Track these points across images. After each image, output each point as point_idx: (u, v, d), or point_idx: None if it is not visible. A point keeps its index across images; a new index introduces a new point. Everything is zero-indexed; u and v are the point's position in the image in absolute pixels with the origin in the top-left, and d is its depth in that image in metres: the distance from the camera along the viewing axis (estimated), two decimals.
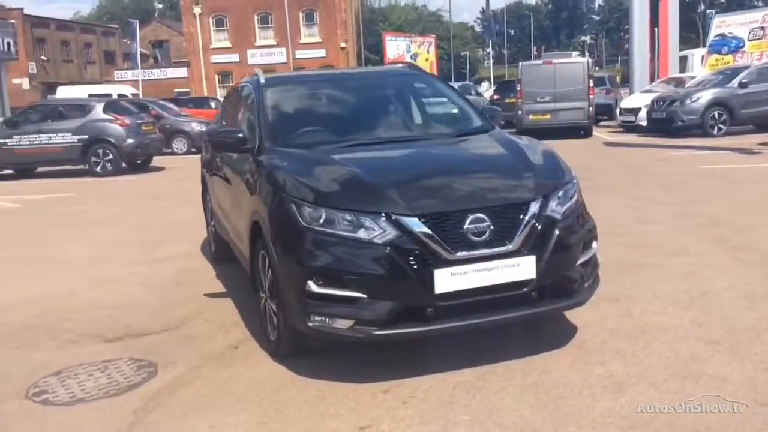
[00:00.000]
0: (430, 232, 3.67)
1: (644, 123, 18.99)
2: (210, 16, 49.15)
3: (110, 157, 15.67)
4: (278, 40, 48.57)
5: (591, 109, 19.57)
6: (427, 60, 49.68)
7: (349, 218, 3.73)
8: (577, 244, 4.09)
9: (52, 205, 11.78)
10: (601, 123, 23.34)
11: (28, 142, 15.74)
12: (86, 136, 15.58)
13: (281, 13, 47.69)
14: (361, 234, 3.69)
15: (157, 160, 17.72)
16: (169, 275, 6.49)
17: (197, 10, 48.63)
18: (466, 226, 3.72)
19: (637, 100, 20.53)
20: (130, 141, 15.62)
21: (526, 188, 4.00)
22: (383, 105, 5.33)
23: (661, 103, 17.83)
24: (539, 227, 3.87)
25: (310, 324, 3.78)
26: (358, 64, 51.24)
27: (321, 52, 48.26)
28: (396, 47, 47.12)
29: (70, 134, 15.62)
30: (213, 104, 27.82)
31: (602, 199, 9.19)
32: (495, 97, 26.54)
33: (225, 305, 5.41)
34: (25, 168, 16.52)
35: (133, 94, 35.29)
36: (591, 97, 19.55)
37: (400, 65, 6.16)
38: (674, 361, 3.96)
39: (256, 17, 48.75)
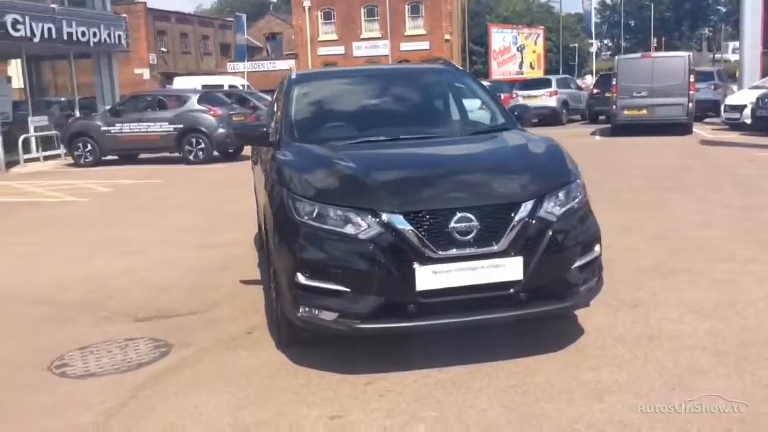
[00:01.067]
0: (414, 230, 3.72)
1: (749, 121, 17.95)
2: (319, 9, 50.26)
3: (202, 145, 16.39)
4: (383, 32, 49.00)
5: (691, 105, 18.68)
6: (534, 52, 48.84)
7: (338, 214, 3.83)
8: (574, 247, 4.02)
9: (138, 190, 12.49)
10: (706, 120, 22.23)
11: (129, 130, 16.69)
12: (181, 126, 16.37)
13: (388, 5, 48.05)
14: (349, 229, 3.78)
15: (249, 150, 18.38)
16: (216, 260, 6.80)
17: (307, 3, 49.86)
18: (451, 225, 3.74)
19: (744, 96, 19.37)
20: (221, 131, 16.27)
21: (519, 189, 3.96)
22: (406, 102, 5.38)
23: (767, 100, 16.80)
24: (530, 229, 3.84)
25: (299, 314, 3.92)
26: (462, 57, 50.93)
27: (425, 44, 48.33)
28: (502, 39, 46.57)
29: (167, 123, 16.46)
30: None
31: (675, 201, 8.88)
32: (595, 91, 25.74)
33: (255, 292, 5.62)
34: (127, 154, 17.50)
35: (242, 86, 36.66)
36: (691, 93, 18.66)
37: (440, 62, 6.15)
38: (669, 371, 3.84)
39: (362, 10, 49.42)
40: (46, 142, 18.81)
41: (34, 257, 7.49)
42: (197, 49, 60.34)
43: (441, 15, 48.74)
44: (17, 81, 22.90)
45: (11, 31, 17.11)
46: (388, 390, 3.75)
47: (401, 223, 3.72)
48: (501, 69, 45.77)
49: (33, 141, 18.35)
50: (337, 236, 3.80)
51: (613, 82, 19.57)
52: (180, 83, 37.11)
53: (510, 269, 3.78)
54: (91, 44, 20.03)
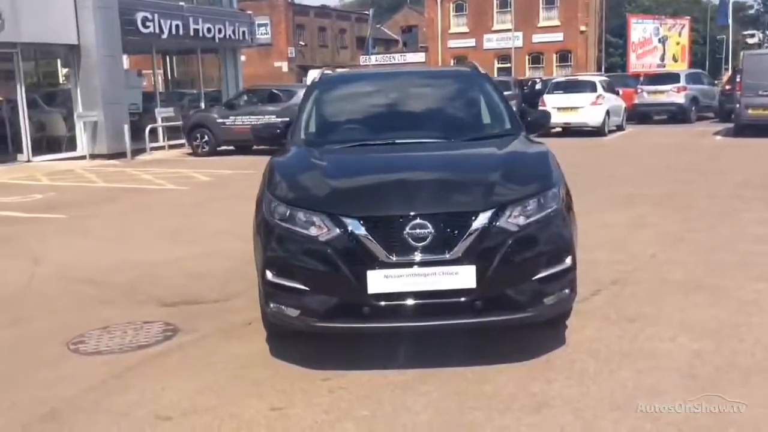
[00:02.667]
0: (367, 234, 3.85)
1: None
2: (451, 0, 50.19)
3: None
4: (515, 24, 48.16)
5: None
6: (678, 44, 46.38)
7: (305, 217, 4.02)
8: (536, 258, 4.00)
9: (234, 181, 13.21)
10: None
11: (241, 122, 17.60)
12: (287, 119, 17.02)
13: None
14: (312, 232, 3.97)
15: None
16: None
17: None
18: (406, 231, 3.84)
19: None
20: None
21: (479, 198, 4.00)
22: (415, 107, 5.48)
23: None
24: (486, 238, 3.87)
25: (269, 309, 4.17)
26: (598, 49, 49.23)
27: (558, 36, 47.11)
28: (642, 30, 44.63)
29: (274, 116, 17.20)
30: None
31: (752, 212, 8.35)
32: (727, 87, 24.23)
33: None
34: (240, 145, 18.47)
35: None
36: None
37: (467, 66, 6.16)
38: (624, 390, 3.75)
39: (495, 1, 48.82)
40: (172, 132, 20.17)
41: (110, 240, 8.21)
42: (334, 43, 62.09)
43: (577, 5, 47.24)
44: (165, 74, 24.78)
45: (141, 28, 18.52)
46: (340, 387, 3.92)
47: (357, 227, 3.87)
48: (640, 61, 43.88)
49: (160, 131, 19.73)
50: (301, 238, 4.00)
51: (737, 79, 18.40)
52: (312, 75, 38.44)
53: (462, 277, 3.84)
54: (217, 40, 21.26)
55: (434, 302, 3.90)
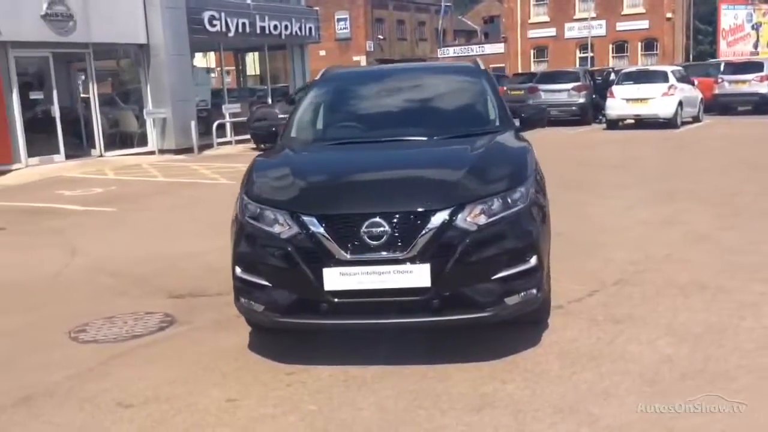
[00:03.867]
0: (324, 232, 3.92)
1: None
2: None
3: None
4: (598, 12, 46.87)
5: None
6: None
7: (270, 214, 4.14)
8: (496, 257, 3.97)
9: None
10: None
11: None
12: None
13: None
14: (275, 229, 4.08)
15: None
16: None
17: None
18: (363, 229, 3.89)
19: None
20: None
21: (437, 197, 4.00)
22: (404, 105, 5.48)
23: None
24: (442, 237, 3.87)
25: (238, 304, 4.31)
26: (686, 36, 47.31)
27: (644, 24, 45.52)
28: (733, 17, 42.79)
29: None
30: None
31: None
32: None
33: None
34: None
35: None
36: None
37: (472, 62, 6.11)
38: (577, 394, 3.70)
39: None
40: (240, 128, 20.72)
41: (148, 234, 8.59)
42: (413, 35, 62.05)
43: None
44: (253, 69, 25.44)
45: (208, 27, 19.11)
46: (299, 381, 4.02)
47: (315, 225, 3.95)
48: (731, 49, 42.10)
49: (227, 126, 20.30)
50: (266, 235, 4.12)
51: None
52: None
53: (417, 276, 3.86)
54: (283, 36, 21.69)
55: (390, 300, 3.94)
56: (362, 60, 55.28)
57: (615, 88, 20.02)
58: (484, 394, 3.75)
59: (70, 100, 17.33)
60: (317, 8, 25.30)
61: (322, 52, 55.81)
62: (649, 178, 10.76)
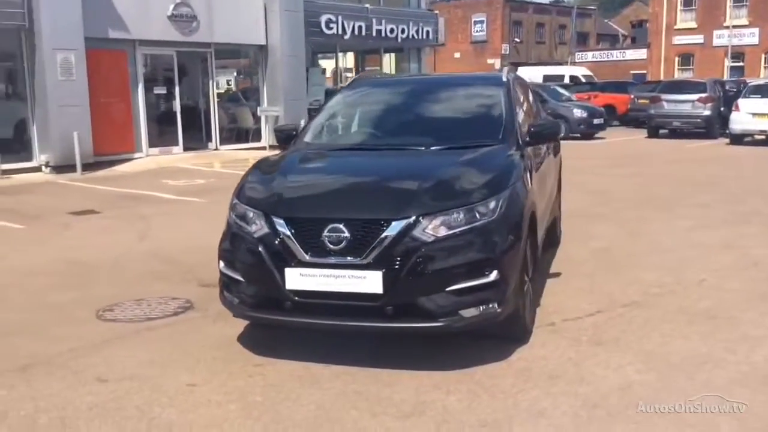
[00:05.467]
0: (289, 234, 4.14)
1: None
2: None
3: None
4: (751, 19, 43.93)
5: None
6: None
7: (250, 215, 4.41)
8: (452, 269, 4.03)
9: None
10: None
11: None
12: None
13: None
14: (251, 228, 4.35)
15: None
16: None
17: None
18: (324, 233, 4.08)
19: None
20: None
21: (397, 206, 4.10)
22: (413, 114, 5.55)
23: None
24: (397, 246, 3.98)
25: (221, 298, 4.61)
26: None
27: None
28: None
29: None
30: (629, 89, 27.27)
31: None
32: None
33: None
34: None
35: (585, 76, 36.36)
36: None
37: (503, 72, 6.08)
38: (512, 411, 3.71)
39: None
40: None
41: (216, 224, 9.09)
42: (552, 39, 60.80)
43: None
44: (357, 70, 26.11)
45: (325, 30, 19.82)
46: (261, 373, 4.26)
47: (282, 227, 4.18)
48: None
49: None
50: (244, 234, 4.39)
51: None
52: (524, 74, 38.19)
53: (370, 282, 3.99)
54: (399, 40, 22.08)
55: (345, 304, 4.10)
56: (496, 63, 54.83)
57: (741, 102, 18.82)
58: (422, 402, 3.82)
59: (192, 95, 18.49)
60: (437, 11, 25.48)
61: (457, 54, 56.08)
62: (735, 199, 10.12)
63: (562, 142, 21.51)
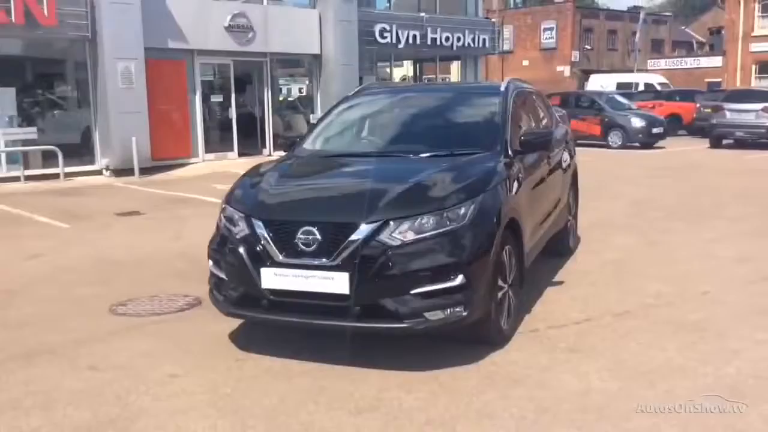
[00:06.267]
0: (266, 235, 4.37)
1: None
2: (757, 1, 45.32)
3: None
4: None
5: None
6: None
7: (234, 217, 4.67)
8: (417, 273, 4.17)
9: None
10: None
11: None
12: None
13: None
14: (235, 230, 4.60)
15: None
16: None
17: None
18: (298, 236, 4.29)
19: None
20: None
21: (366, 211, 4.26)
22: (407, 123, 5.71)
23: None
24: (364, 249, 4.16)
25: (210, 295, 4.87)
26: None
27: None
28: None
29: None
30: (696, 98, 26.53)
31: None
32: None
33: None
34: None
35: (660, 84, 35.56)
36: None
37: (502, 82, 6.17)
38: (462, 412, 3.82)
39: None
40: None
41: None
42: (625, 46, 59.52)
43: None
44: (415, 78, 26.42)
45: (379, 39, 20.15)
46: (239, 367, 4.50)
47: (260, 228, 4.41)
48: None
49: None
50: (229, 234, 4.65)
51: None
52: (595, 81, 37.70)
53: (337, 283, 4.18)
54: (455, 48, 22.20)
55: (316, 303, 4.29)
56: (566, 70, 54.25)
57: None
58: (380, 399, 3.98)
59: (248, 103, 19.06)
60: (494, 20, 25.45)
61: (526, 62, 55.63)
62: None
63: (618, 151, 21.32)
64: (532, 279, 6.20)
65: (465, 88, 7.24)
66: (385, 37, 20.26)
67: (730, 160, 17.83)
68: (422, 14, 21.31)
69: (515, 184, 5.07)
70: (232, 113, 17.83)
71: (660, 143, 21.49)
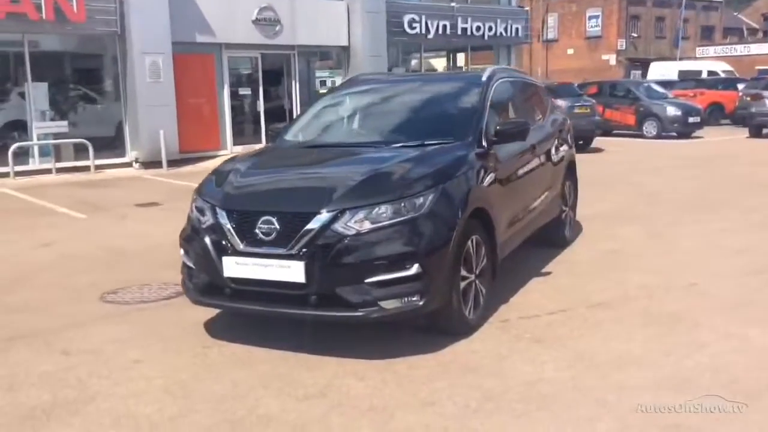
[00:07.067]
0: (229, 225, 4.46)
1: None
2: None
3: None
4: None
5: None
6: None
7: (204, 206, 4.76)
8: (371, 262, 4.19)
9: None
10: None
11: None
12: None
13: None
14: (203, 219, 4.70)
15: (607, 143, 18.52)
16: None
17: None
18: (258, 225, 4.37)
19: None
20: None
21: (322, 200, 4.31)
22: (383, 113, 5.75)
23: None
24: (319, 238, 4.21)
25: (184, 285, 4.99)
26: None
27: None
28: None
29: None
30: (740, 86, 25.78)
31: None
32: None
33: None
34: None
35: (725, 71, 34.58)
36: None
37: (495, 68, 6.15)
38: (408, 398, 3.85)
39: None
40: None
41: None
42: (672, 33, 58.08)
43: None
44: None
45: (407, 29, 20.12)
46: (204, 354, 4.60)
47: (223, 218, 4.50)
48: None
49: None
50: (198, 224, 4.75)
51: None
52: (656, 69, 36.92)
53: (294, 271, 4.24)
54: (486, 38, 22.01)
55: (274, 291, 4.36)
56: (611, 59, 53.29)
57: None
58: (330, 386, 4.03)
59: (275, 95, 19.24)
60: (527, 8, 25.12)
61: (570, 51, 54.85)
62: None
63: (653, 141, 20.90)
64: (518, 269, 6.21)
65: (448, 77, 7.23)
66: (414, 28, 20.21)
67: (765, 149, 17.33)
68: (453, 4, 21.18)
69: (488, 174, 5.05)
70: (260, 105, 18.04)
71: (698, 133, 20.99)
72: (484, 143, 5.19)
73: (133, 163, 16.05)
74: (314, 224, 4.23)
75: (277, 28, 17.76)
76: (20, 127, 15.27)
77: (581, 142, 17.72)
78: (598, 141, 18.60)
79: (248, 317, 5.03)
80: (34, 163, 15.13)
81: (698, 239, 7.47)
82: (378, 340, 4.66)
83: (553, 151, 6.70)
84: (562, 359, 4.31)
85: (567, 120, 7.73)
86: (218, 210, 4.55)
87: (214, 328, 5.03)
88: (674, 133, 20.49)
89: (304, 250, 4.22)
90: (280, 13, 17.71)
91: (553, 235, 6.94)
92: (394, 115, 5.70)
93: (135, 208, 10.69)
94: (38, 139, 15.00)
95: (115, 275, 6.72)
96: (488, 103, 5.50)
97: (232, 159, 5.47)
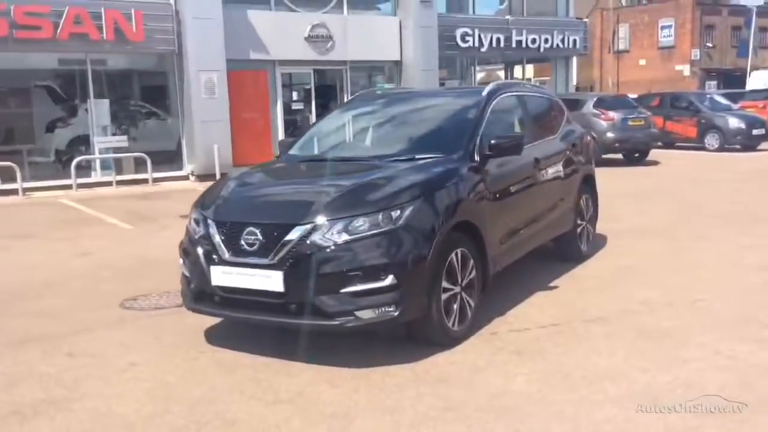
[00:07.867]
0: (217, 235, 4.67)
1: None
2: None
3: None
4: None
5: None
6: None
7: (198, 218, 4.99)
8: (348, 272, 4.32)
9: None
10: None
11: None
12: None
13: None
14: (197, 230, 4.93)
15: (666, 155, 18.20)
16: None
17: None
18: (243, 236, 4.57)
19: None
20: (609, 135, 16.39)
21: (301, 212, 4.48)
22: (383, 128, 5.86)
23: None
24: (297, 249, 4.37)
25: (182, 293, 5.22)
26: None
27: None
28: None
29: None
30: None
31: None
32: None
33: None
34: None
35: None
36: None
37: (492, 84, 6.17)
38: (374, 406, 3.95)
39: None
40: None
41: None
42: (752, 43, 56.01)
43: None
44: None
45: (460, 43, 20.22)
46: (194, 359, 4.81)
47: (213, 229, 4.72)
48: None
49: None
50: (192, 234, 4.98)
51: None
52: (758, 78, 35.86)
53: (274, 281, 4.42)
54: (542, 50, 21.85)
55: (258, 300, 4.54)
56: (685, 69, 51.88)
57: None
58: (302, 392, 4.17)
59: (328, 109, 19.59)
60: (586, 19, 24.77)
61: (642, 61, 53.68)
62: None
63: (714, 154, 20.43)
64: (525, 283, 6.23)
65: (449, 92, 7.35)
66: (467, 41, 20.27)
67: None
68: (507, 17, 21.14)
69: (479, 188, 5.11)
70: (312, 119, 18.40)
71: (763, 145, 20.28)
72: (477, 157, 5.25)
73: (190, 176, 16.64)
74: (293, 235, 4.39)
75: (330, 44, 18.13)
76: (85, 142, 16.08)
77: (637, 155, 17.48)
78: (657, 154, 18.27)
79: (244, 325, 5.23)
80: (96, 176, 15.88)
81: (722, 255, 7.28)
82: (366, 349, 4.78)
83: (563, 164, 6.67)
84: (537, 372, 4.32)
85: (585, 134, 7.67)
86: (209, 221, 4.77)
87: (211, 335, 5.24)
88: (738, 146, 19.86)
89: (283, 260, 4.39)
90: (332, 29, 18.08)
91: (567, 249, 6.91)
92: (392, 130, 5.84)
93: (178, 219, 11.08)
94: (99, 153, 15.74)
95: (141, 283, 7.03)
96: (485, 118, 5.56)
97: (232, 174, 5.70)
